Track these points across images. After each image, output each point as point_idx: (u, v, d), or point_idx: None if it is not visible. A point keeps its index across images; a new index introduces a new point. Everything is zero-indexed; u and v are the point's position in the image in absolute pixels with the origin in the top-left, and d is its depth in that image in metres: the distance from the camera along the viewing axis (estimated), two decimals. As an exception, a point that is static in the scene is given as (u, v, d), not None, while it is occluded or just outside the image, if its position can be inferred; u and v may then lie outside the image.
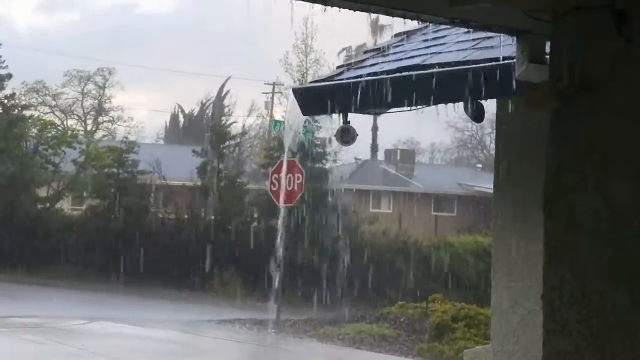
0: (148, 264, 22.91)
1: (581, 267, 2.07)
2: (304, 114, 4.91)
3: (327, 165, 24.81)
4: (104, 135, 41.26)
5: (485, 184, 31.13)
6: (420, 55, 4.75)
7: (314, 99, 4.69)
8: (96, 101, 45.95)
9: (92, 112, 46.27)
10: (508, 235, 5.07)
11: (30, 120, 27.84)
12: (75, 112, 45.67)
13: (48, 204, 26.25)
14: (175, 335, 14.71)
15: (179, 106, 53.57)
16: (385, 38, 32.52)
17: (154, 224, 25.20)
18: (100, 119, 46.27)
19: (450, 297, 16.56)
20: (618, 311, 2.02)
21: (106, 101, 45.90)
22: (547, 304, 2.17)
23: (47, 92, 42.78)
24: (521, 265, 4.94)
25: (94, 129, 44.65)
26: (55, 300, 18.96)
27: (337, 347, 14.69)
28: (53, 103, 43.76)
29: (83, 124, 45.08)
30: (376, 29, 37.36)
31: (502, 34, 3.91)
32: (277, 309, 16.82)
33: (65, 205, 28.25)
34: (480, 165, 46.94)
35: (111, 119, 46.16)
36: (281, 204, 17.35)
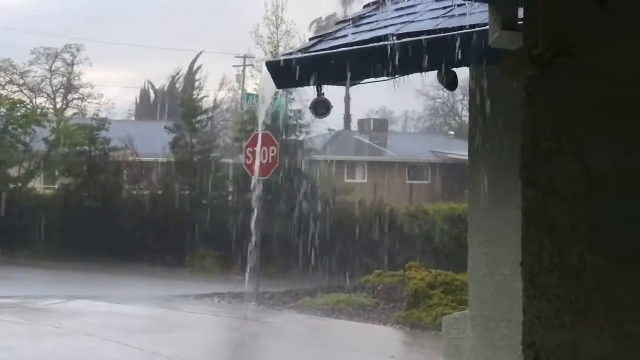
0: (123, 241, 22.83)
1: (560, 232, 2.08)
2: (278, 86, 4.88)
3: (301, 137, 24.78)
4: (74, 113, 40.82)
5: (458, 151, 31.31)
6: (392, 25, 4.73)
7: (288, 71, 4.66)
8: (65, 78, 45.40)
9: (61, 90, 45.73)
10: (484, 202, 5.10)
11: (-2, 99, 27.48)
12: (44, 90, 45.14)
13: (20, 184, 26.00)
14: (153, 311, 14.71)
15: (149, 82, 53.15)
16: (355, 8, 32.34)
17: (128, 201, 25.09)
18: (69, 96, 45.79)
19: (426, 264, 16.70)
20: (596, 274, 2.04)
21: (75, 78, 45.42)
22: (526, 270, 2.19)
23: (14, 70, 42.20)
24: (497, 231, 4.98)
25: (63, 106, 44.20)
26: (30, 279, 18.87)
27: (316, 317, 14.79)
28: (21, 81, 43.18)
29: (52, 102, 44.59)
30: (346, -2, 37.19)
31: (474, 1, 3.90)
32: (255, 282, 16.87)
33: (37, 184, 28.01)
34: (452, 133, 47.15)
35: (81, 96, 45.71)
36: (256, 177, 17.33)
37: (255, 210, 16.72)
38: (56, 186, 26.72)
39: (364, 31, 4.85)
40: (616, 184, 2.01)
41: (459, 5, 4.45)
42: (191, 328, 13.21)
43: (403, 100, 49.89)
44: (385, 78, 4.67)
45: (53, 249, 23.32)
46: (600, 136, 2.03)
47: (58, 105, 43.88)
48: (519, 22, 3.21)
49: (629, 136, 1.99)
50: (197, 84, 47.47)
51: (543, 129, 2.13)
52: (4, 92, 33.34)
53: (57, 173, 26.50)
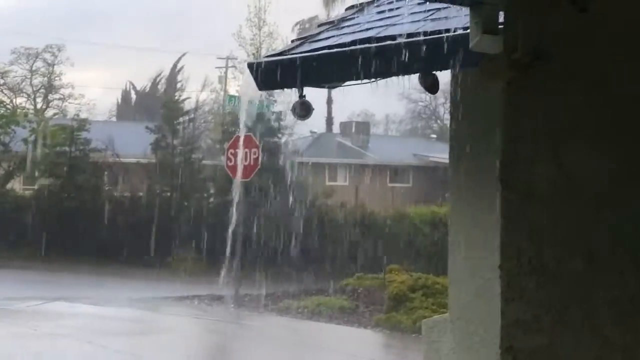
0: (103, 243, 22.70)
1: (538, 236, 2.09)
2: (260, 89, 4.86)
3: (283, 140, 24.77)
4: (55, 114, 40.52)
5: (440, 154, 31.40)
6: (374, 28, 4.74)
7: (270, 73, 4.65)
8: (45, 79, 45.06)
9: (41, 90, 45.38)
10: (464, 206, 5.12)
11: (-23, 100, 27.26)
12: (24, 90, 44.76)
13: (-1, 185, 25.80)
14: (133, 313, 14.64)
15: (131, 83, 52.92)
16: (337, 10, 32.40)
17: (109, 202, 24.94)
18: (50, 96, 45.43)
19: (407, 267, 16.72)
20: (574, 277, 2.05)
21: (56, 79, 45.06)
22: (504, 274, 2.19)
23: (-7, 70, 41.82)
24: (478, 235, 4.99)
25: (44, 107, 43.85)
26: (9, 281, 18.70)
27: (297, 320, 14.78)
28: (1, 81, 42.82)
29: (33, 103, 44.22)
30: (329, 1, 37.21)
31: (455, 5, 3.91)
32: (236, 284, 16.83)
33: (17, 185, 27.79)
34: (434, 136, 47.29)
35: (61, 96, 45.36)
36: (238, 179, 17.30)
37: (236, 212, 16.68)
38: (36, 187, 26.51)
39: (346, 34, 4.85)
40: (595, 187, 2.01)
41: (440, 9, 4.47)
42: (170, 331, 13.15)
43: (385, 103, 50.01)
44: (367, 81, 4.67)
45: (32, 250, 23.15)
46: (579, 140, 2.03)
47: (38, 106, 43.54)
48: (500, 26, 3.22)
49: (607, 140, 2.00)
50: (179, 85, 47.34)
51: (522, 132, 2.13)
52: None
53: (37, 174, 26.30)
